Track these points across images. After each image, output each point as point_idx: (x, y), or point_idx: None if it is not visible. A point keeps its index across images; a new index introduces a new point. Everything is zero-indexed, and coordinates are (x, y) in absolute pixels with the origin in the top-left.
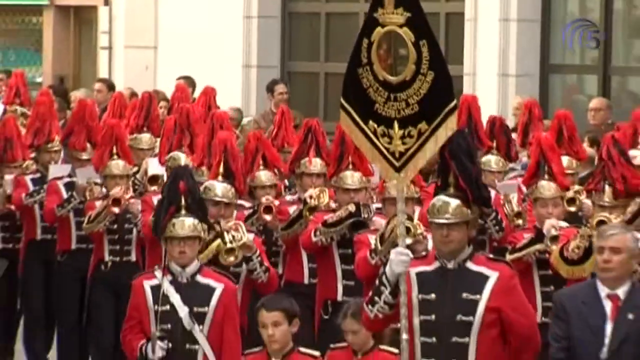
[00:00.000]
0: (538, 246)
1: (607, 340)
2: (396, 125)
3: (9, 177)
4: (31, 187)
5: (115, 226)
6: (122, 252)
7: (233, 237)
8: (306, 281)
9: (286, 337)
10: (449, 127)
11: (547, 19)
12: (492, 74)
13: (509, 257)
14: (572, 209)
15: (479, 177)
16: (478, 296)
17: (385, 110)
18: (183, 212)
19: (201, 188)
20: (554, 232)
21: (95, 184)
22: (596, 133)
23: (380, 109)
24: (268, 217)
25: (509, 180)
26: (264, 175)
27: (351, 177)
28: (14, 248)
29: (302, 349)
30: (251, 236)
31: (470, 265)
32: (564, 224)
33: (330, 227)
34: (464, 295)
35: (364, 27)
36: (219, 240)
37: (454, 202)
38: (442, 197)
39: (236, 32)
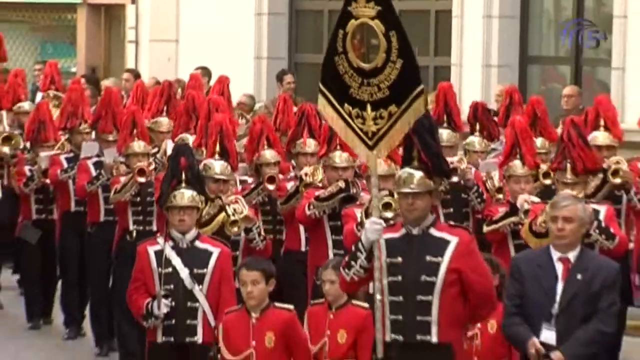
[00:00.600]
0: (513, 219)
1: (558, 298)
2: (369, 107)
3: (44, 154)
4: (65, 165)
5: (139, 198)
6: (145, 221)
7: (235, 210)
8: (303, 249)
9: (263, 295)
10: (417, 109)
11: (526, 16)
12: (477, 65)
13: (486, 228)
14: (548, 181)
15: (439, 152)
16: (440, 259)
17: (359, 94)
18: (183, 185)
19: (200, 166)
20: (526, 206)
21: (121, 162)
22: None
23: (355, 93)
24: (271, 187)
25: (490, 159)
26: (268, 154)
27: (339, 157)
28: (47, 219)
29: (278, 304)
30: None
31: (433, 231)
32: (535, 199)
33: (322, 201)
34: (428, 258)
35: (339, 20)
36: (223, 214)
37: (418, 174)
38: (407, 170)
39: (248, 27)
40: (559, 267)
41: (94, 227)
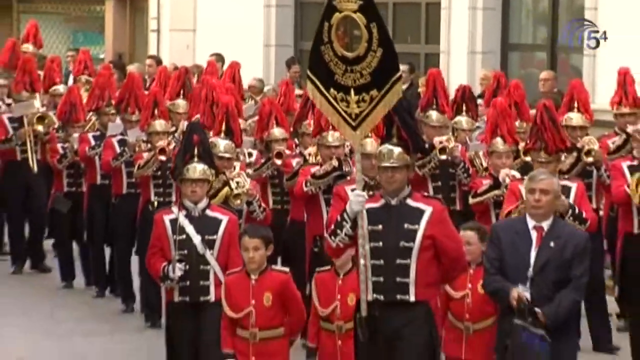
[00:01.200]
0: (496, 192)
1: (532, 262)
2: (352, 92)
3: (76, 135)
4: (93, 142)
5: (159, 173)
6: (165, 193)
7: (237, 183)
8: (306, 219)
9: (262, 259)
10: (396, 92)
11: (507, 7)
12: (463, 52)
13: (471, 200)
14: (528, 158)
15: (417, 130)
16: (417, 226)
17: (343, 80)
18: (195, 159)
19: None
20: (507, 180)
21: (143, 141)
22: (549, 99)
23: (340, 79)
24: (278, 162)
25: (477, 142)
26: (277, 131)
27: (332, 136)
28: (76, 191)
29: (275, 267)
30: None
31: (409, 201)
32: (516, 173)
33: (318, 179)
34: (405, 225)
35: (325, 13)
36: (227, 188)
37: (397, 150)
38: (388, 146)
39: (258, 18)
40: (534, 235)
41: (118, 198)
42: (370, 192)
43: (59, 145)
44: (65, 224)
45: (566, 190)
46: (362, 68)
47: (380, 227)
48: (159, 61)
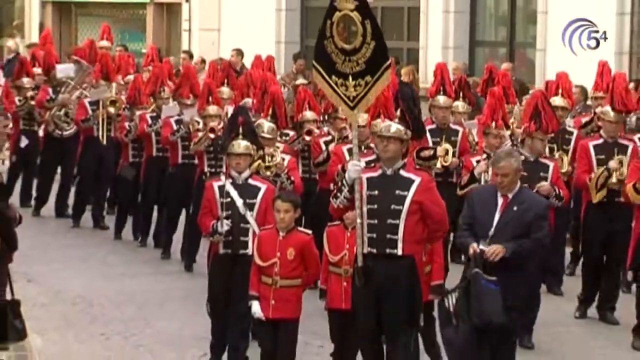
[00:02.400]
0: (472, 185)
1: (494, 223)
2: (350, 78)
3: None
4: (150, 122)
5: (212, 148)
6: (216, 165)
7: (271, 157)
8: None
9: (291, 220)
10: (385, 79)
11: (474, 11)
12: (437, 47)
13: (459, 192)
14: (507, 132)
15: (419, 115)
16: (406, 193)
17: (342, 68)
18: (240, 137)
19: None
20: (483, 176)
21: (197, 121)
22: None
23: (340, 67)
24: (308, 138)
25: (471, 121)
26: (309, 114)
27: (360, 117)
28: (139, 162)
29: (300, 228)
30: (287, 158)
31: (402, 172)
32: (489, 175)
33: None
34: (397, 192)
35: (327, 12)
36: (260, 161)
37: (396, 125)
38: (389, 122)
39: (271, 19)
40: (500, 201)
41: (174, 168)
42: (372, 164)
43: (125, 124)
44: (130, 189)
45: (545, 167)
46: (358, 58)
47: (376, 192)
48: (191, 55)
